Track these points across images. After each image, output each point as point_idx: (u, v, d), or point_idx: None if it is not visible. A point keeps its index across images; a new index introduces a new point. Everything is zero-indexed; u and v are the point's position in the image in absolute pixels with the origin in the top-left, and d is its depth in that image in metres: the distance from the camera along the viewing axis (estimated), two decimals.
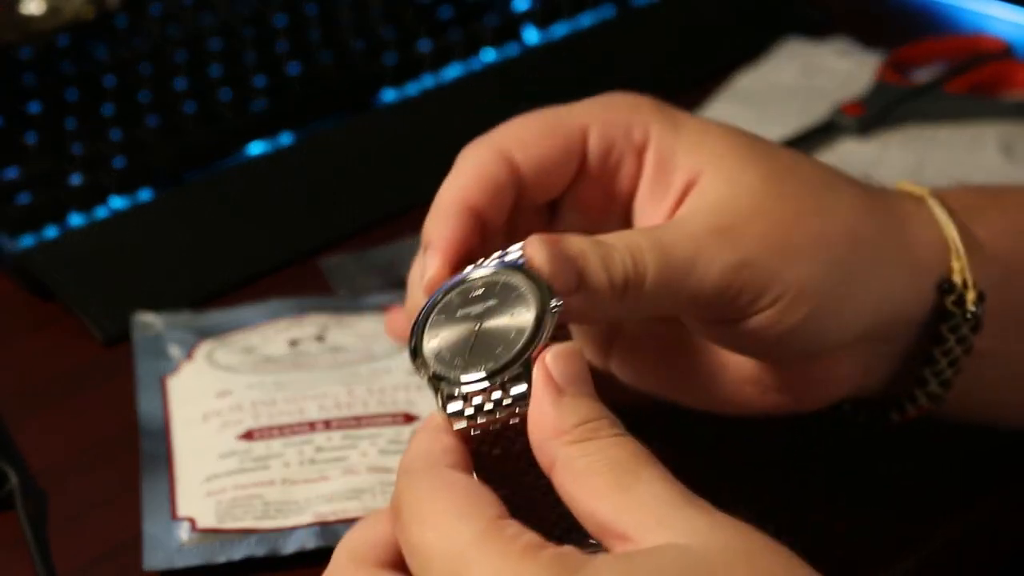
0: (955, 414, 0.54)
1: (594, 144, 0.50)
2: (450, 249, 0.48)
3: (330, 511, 0.57)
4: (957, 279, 0.50)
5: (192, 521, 0.57)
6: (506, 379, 0.43)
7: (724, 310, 0.47)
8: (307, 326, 0.67)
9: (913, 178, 0.77)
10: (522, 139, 0.50)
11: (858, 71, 0.86)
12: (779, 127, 0.81)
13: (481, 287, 0.45)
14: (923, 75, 0.86)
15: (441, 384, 0.44)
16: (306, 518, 0.56)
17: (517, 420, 0.43)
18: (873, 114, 0.81)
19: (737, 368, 0.51)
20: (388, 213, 0.77)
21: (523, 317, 0.44)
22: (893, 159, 0.79)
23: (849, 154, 0.80)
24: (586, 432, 0.40)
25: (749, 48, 0.89)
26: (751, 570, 0.37)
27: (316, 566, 0.55)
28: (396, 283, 0.71)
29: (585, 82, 0.87)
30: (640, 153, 0.50)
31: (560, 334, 0.44)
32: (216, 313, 0.69)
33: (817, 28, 0.91)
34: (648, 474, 0.39)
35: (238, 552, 0.56)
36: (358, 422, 0.61)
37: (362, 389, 0.63)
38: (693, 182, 0.49)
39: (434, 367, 0.44)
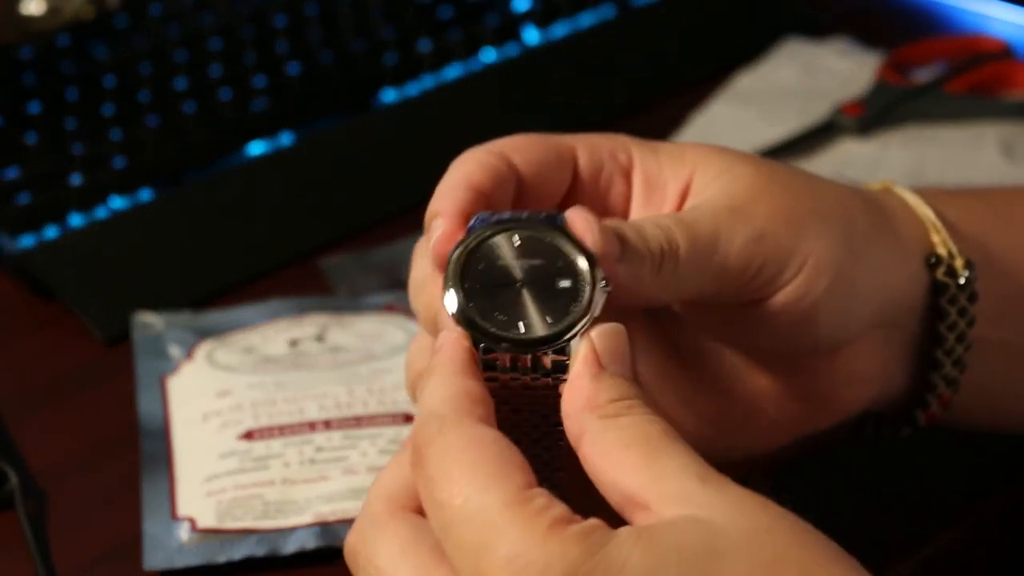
0: (970, 416, 0.55)
1: (584, 162, 0.51)
2: (459, 217, 0.47)
3: (330, 511, 0.57)
4: (942, 251, 0.51)
5: (192, 521, 0.57)
6: (550, 351, 0.43)
7: (751, 287, 0.48)
8: (307, 326, 0.67)
9: (913, 178, 0.77)
10: (516, 145, 0.50)
11: (858, 71, 0.86)
12: (779, 127, 0.81)
13: (523, 241, 0.44)
14: (923, 75, 0.86)
15: (481, 338, 0.43)
16: (306, 518, 0.56)
17: (547, 390, 0.43)
18: (873, 114, 0.81)
19: (756, 384, 0.51)
20: (388, 213, 0.77)
21: (572, 288, 0.43)
22: (893, 159, 0.79)
23: (849, 154, 0.80)
24: (620, 408, 0.41)
25: (749, 48, 0.89)
26: (773, 546, 0.37)
27: (316, 566, 0.56)
28: (396, 283, 0.71)
29: (585, 82, 0.88)
30: (627, 174, 0.51)
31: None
32: (216, 313, 0.69)
33: (817, 28, 0.91)
34: (675, 450, 0.39)
35: (238, 552, 0.56)
36: (358, 422, 0.61)
37: (362, 389, 0.63)
38: (687, 187, 0.50)
39: (475, 318, 0.43)
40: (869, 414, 0.55)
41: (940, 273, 0.51)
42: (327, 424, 0.61)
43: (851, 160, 0.79)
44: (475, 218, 0.45)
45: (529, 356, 0.43)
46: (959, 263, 0.51)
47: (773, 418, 0.52)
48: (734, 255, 0.47)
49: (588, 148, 0.51)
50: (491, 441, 0.40)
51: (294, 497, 0.57)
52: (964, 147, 0.79)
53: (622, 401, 0.41)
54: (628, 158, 0.51)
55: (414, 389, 0.50)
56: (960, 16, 0.95)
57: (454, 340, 0.43)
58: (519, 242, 0.44)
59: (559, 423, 0.43)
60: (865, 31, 0.91)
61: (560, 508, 0.38)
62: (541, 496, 0.39)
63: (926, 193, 0.53)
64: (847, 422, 0.55)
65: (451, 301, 0.43)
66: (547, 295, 0.43)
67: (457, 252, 0.44)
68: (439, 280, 0.44)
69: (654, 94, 0.87)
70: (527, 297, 0.43)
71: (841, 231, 0.49)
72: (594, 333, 0.42)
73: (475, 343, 0.43)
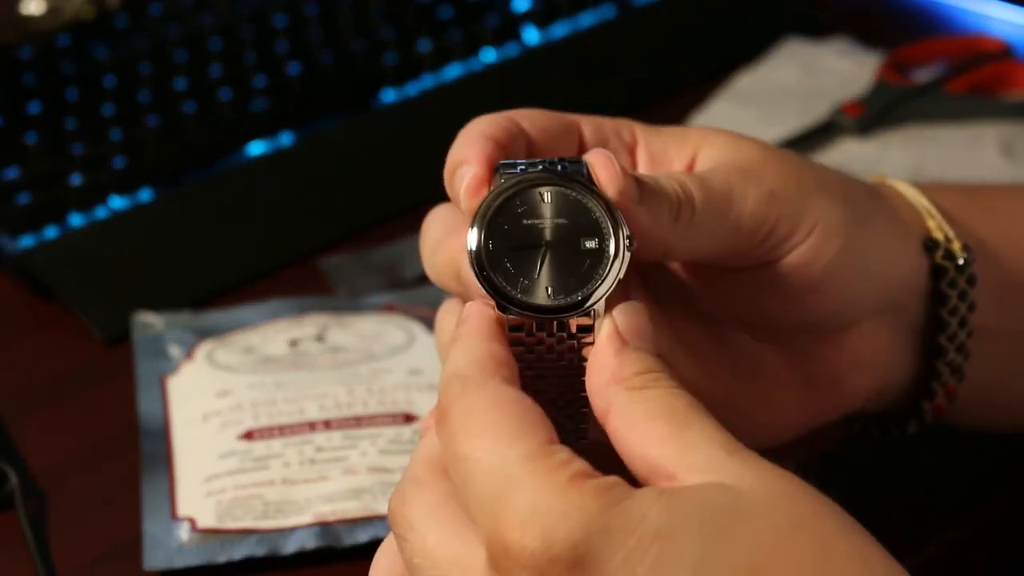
0: (976, 411, 0.55)
1: (589, 137, 0.51)
2: (486, 163, 0.46)
3: (330, 511, 0.57)
4: (938, 235, 0.52)
5: (192, 521, 0.57)
6: (575, 315, 0.43)
7: (765, 246, 0.48)
8: (307, 326, 0.67)
9: (913, 178, 0.77)
10: (525, 113, 0.50)
11: (858, 71, 0.86)
12: (779, 127, 0.81)
13: (548, 197, 0.44)
14: (923, 75, 0.86)
15: (507, 304, 0.43)
16: (306, 518, 0.56)
17: (571, 353, 0.43)
18: (873, 114, 0.81)
19: (764, 368, 0.51)
20: (388, 213, 0.77)
21: (597, 248, 0.43)
22: (893, 159, 0.79)
23: (849, 154, 0.80)
24: (646, 381, 0.41)
25: (749, 48, 0.89)
26: (792, 513, 0.38)
27: (316, 566, 0.56)
28: (396, 283, 0.71)
29: (585, 82, 0.88)
30: (632, 151, 0.51)
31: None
32: (216, 313, 0.69)
33: (817, 28, 0.91)
34: (701, 422, 0.40)
35: (238, 552, 0.56)
36: (358, 422, 0.61)
37: (362, 389, 0.63)
38: (692, 164, 0.51)
39: (499, 282, 0.43)
40: (875, 414, 0.55)
41: (938, 256, 0.52)
42: (327, 424, 0.61)
43: (851, 160, 0.79)
44: (499, 164, 0.45)
45: (555, 321, 0.43)
46: (956, 246, 0.52)
47: (782, 405, 0.52)
48: (748, 212, 0.47)
49: (593, 125, 0.51)
50: (514, 400, 0.40)
51: (294, 497, 0.57)
52: (964, 147, 0.79)
53: (648, 374, 0.41)
54: (632, 136, 0.51)
55: (446, 355, 0.50)
56: (960, 16, 0.95)
57: (480, 308, 0.43)
58: (546, 199, 0.44)
59: (583, 391, 0.43)
60: (865, 31, 0.91)
61: (581, 463, 0.38)
62: (563, 451, 0.39)
63: (919, 185, 0.54)
64: (854, 420, 0.55)
65: (478, 264, 0.43)
66: (573, 256, 0.43)
67: (483, 207, 0.44)
68: (462, 236, 0.44)
69: (654, 94, 0.87)
70: (552, 261, 0.43)
71: (847, 202, 0.50)
72: (616, 312, 0.42)
73: (500, 309, 0.43)
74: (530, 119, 0.50)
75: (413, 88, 0.86)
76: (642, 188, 0.45)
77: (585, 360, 0.43)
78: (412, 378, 0.63)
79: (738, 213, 0.47)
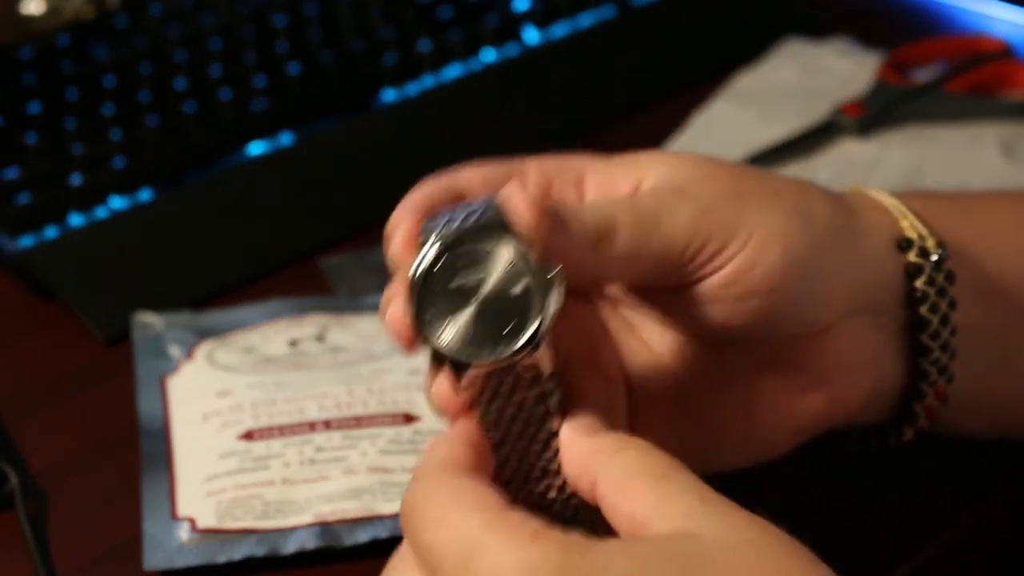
0: (969, 416, 0.55)
1: (533, 178, 0.52)
2: (414, 230, 0.48)
3: (330, 511, 0.57)
4: (911, 234, 0.52)
5: (192, 521, 0.57)
6: (522, 358, 0.44)
7: (701, 263, 0.48)
8: (307, 326, 0.67)
9: (913, 178, 0.77)
10: (469, 169, 0.52)
11: (858, 71, 0.86)
12: (779, 127, 0.81)
13: (468, 254, 0.45)
14: (923, 75, 0.86)
15: (459, 370, 0.44)
16: (306, 518, 0.56)
17: (530, 409, 0.45)
18: (873, 114, 0.81)
19: (769, 383, 0.52)
20: (388, 213, 0.76)
21: (525, 289, 0.44)
22: (893, 159, 0.79)
23: (849, 154, 0.80)
24: (622, 444, 0.43)
25: (749, 48, 0.89)
26: (757, 562, 0.38)
27: (316, 566, 0.56)
28: None
29: (585, 82, 0.88)
30: (579, 185, 0.52)
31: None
32: (216, 313, 0.69)
33: (817, 28, 0.91)
34: (679, 475, 0.41)
35: (238, 552, 0.56)
36: (358, 422, 0.61)
37: (362, 389, 0.63)
38: (638, 186, 0.51)
39: (447, 351, 0.44)
40: (872, 426, 0.55)
41: (912, 255, 0.52)
42: (327, 424, 0.61)
43: (851, 160, 0.79)
44: (423, 224, 0.46)
45: (506, 372, 0.44)
46: (931, 243, 0.52)
47: (769, 414, 0.52)
48: (680, 228, 0.48)
49: (538, 166, 0.52)
50: (465, 482, 0.42)
51: (294, 497, 0.57)
52: (964, 147, 0.79)
53: (621, 440, 0.43)
54: (579, 168, 0.52)
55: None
56: (960, 16, 0.95)
57: (432, 444, 0.45)
58: (467, 257, 0.45)
59: (551, 438, 0.45)
60: (865, 31, 0.91)
61: (539, 521, 0.40)
62: (519, 512, 0.40)
63: (893, 192, 0.54)
64: (851, 432, 0.55)
65: (423, 336, 0.44)
66: (507, 303, 0.44)
67: (410, 284, 0.45)
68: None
69: (654, 94, 0.87)
70: (487, 312, 0.44)
71: (793, 207, 0.50)
72: (564, 430, 0.45)
73: (453, 372, 0.44)
74: (473, 173, 0.51)
75: (413, 88, 0.86)
76: (557, 219, 0.46)
77: (543, 405, 0.45)
78: (412, 378, 0.63)
79: (669, 231, 0.48)
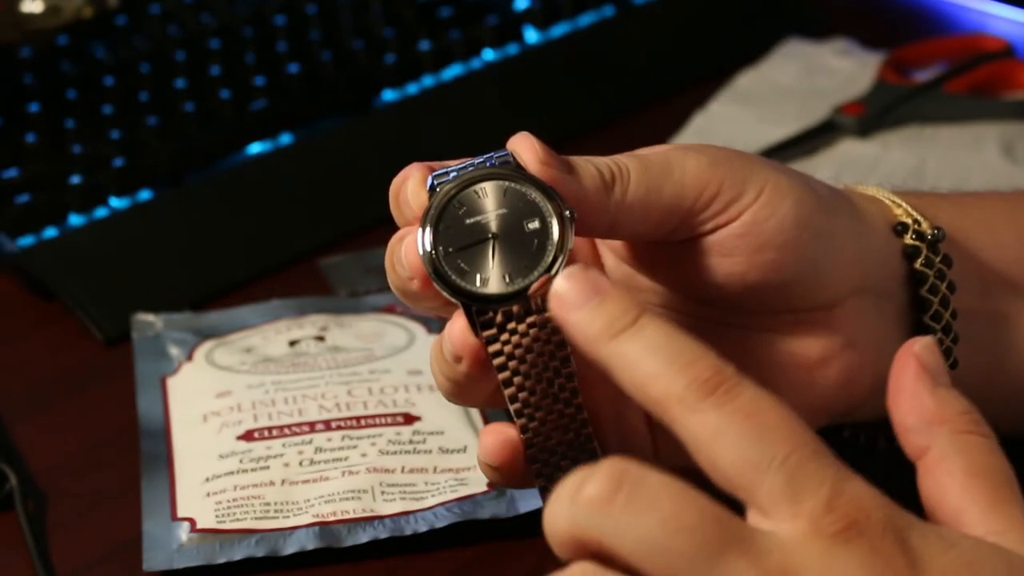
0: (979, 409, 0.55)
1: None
2: (423, 177, 0.49)
3: (330, 511, 0.57)
4: (906, 219, 0.53)
5: (192, 521, 0.57)
6: (540, 289, 0.44)
7: (715, 212, 0.49)
8: (307, 326, 0.67)
9: (913, 178, 0.77)
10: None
11: (858, 71, 0.86)
12: (779, 127, 0.81)
13: (484, 192, 0.46)
14: (923, 75, 0.86)
15: (469, 301, 0.44)
16: (306, 518, 0.56)
17: (547, 343, 0.45)
18: (873, 114, 0.81)
19: (784, 357, 0.52)
20: (388, 213, 0.76)
21: (540, 227, 0.45)
22: (893, 159, 0.79)
23: (849, 154, 0.80)
24: (968, 424, 0.42)
25: (749, 48, 0.89)
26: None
27: (316, 566, 0.56)
28: None
29: (585, 82, 0.88)
30: None
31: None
32: (216, 313, 0.69)
33: (817, 28, 0.91)
34: (1008, 487, 0.42)
35: (238, 552, 0.55)
36: (358, 422, 0.61)
37: (362, 389, 0.63)
38: None
39: (457, 282, 0.45)
40: (882, 423, 0.55)
41: (909, 237, 0.52)
42: (327, 424, 0.61)
43: (851, 160, 0.79)
44: (431, 177, 0.47)
45: (520, 305, 0.44)
46: (925, 225, 0.52)
47: (787, 393, 0.51)
48: (691, 175, 0.48)
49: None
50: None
51: (294, 497, 0.57)
52: (964, 147, 0.79)
53: (967, 415, 0.42)
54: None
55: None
56: (960, 16, 0.95)
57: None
58: (482, 195, 0.46)
59: (572, 375, 0.45)
60: (865, 31, 0.91)
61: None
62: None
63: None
64: (860, 430, 0.55)
65: (435, 270, 0.45)
66: (520, 241, 0.45)
67: (426, 216, 0.46)
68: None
69: (654, 94, 0.87)
70: (502, 248, 0.45)
71: (800, 176, 0.50)
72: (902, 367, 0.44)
73: (464, 308, 0.45)
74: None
75: (413, 88, 0.86)
76: (567, 163, 0.47)
77: (557, 338, 0.44)
78: (412, 378, 0.63)
79: (680, 179, 0.48)
